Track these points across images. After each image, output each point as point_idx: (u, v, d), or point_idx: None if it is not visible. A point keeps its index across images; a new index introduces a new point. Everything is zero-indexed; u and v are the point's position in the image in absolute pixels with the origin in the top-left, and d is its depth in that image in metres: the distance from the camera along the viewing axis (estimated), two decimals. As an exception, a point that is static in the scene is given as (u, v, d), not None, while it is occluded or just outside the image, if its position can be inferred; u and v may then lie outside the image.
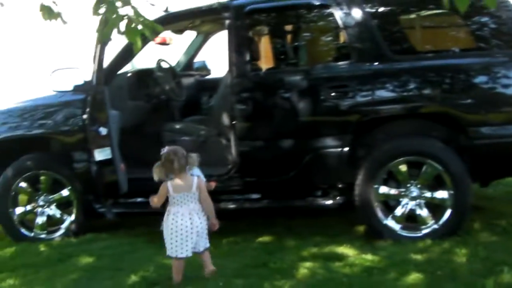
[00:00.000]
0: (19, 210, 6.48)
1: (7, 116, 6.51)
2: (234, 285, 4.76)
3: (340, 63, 5.85)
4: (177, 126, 6.60)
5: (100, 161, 5.17)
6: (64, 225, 6.42)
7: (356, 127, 5.64)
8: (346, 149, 5.66)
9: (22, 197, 6.61)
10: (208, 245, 4.98)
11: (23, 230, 6.48)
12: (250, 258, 5.38)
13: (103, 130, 5.13)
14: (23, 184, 6.41)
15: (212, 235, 6.02)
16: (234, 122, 5.85)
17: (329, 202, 5.81)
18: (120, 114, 5.92)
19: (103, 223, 5.65)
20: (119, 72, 6.35)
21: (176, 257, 4.83)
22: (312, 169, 5.79)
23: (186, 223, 4.79)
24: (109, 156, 5.14)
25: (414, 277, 4.75)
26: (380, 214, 5.64)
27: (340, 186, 5.79)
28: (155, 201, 4.85)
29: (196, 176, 4.92)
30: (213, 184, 5.87)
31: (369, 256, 5.26)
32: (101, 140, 5.14)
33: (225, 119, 6.15)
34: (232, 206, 6.01)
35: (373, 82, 5.59)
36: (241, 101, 5.80)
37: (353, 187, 5.68)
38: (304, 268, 5.05)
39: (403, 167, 5.60)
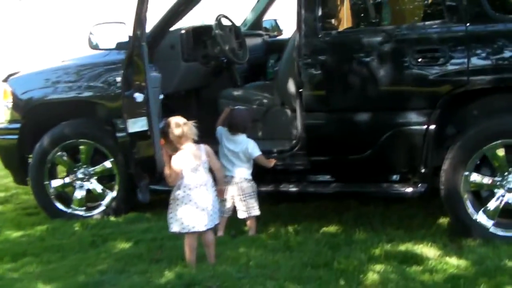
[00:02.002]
0: (55, 182, 5.84)
1: (45, 77, 5.82)
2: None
3: (430, 23, 4.82)
4: (235, 93, 5.74)
5: (134, 133, 4.38)
6: (104, 202, 5.76)
7: (446, 100, 4.65)
8: (433, 126, 4.69)
9: (59, 169, 5.96)
10: (218, 221, 4.53)
11: (59, 205, 5.85)
12: (310, 254, 4.51)
13: (139, 96, 4.33)
14: (61, 154, 5.74)
15: (269, 222, 5.32)
16: (300, 90, 4.96)
17: (409, 189, 4.85)
18: (163, 77, 5.14)
19: (150, 201, 4.95)
20: (172, 28, 5.55)
21: (188, 232, 4.35)
22: (390, 149, 4.85)
23: (198, 196, 4.30)
24: (144, 128, 4.34)
25: (511, 292, 3.81)
26: (469, 207, 4.69)
27: (423, 171, 4.81)
28: (169, 181, 4.34)
29: (202, 144, 4.41)
30: (272, 162, 5.10)
31: (453, 260, 4.32)
32: (136, 108, 4.35)
33: (291, 87, 5.26)
34: (293, 189, 5.16)
35: (470, 47, 4.56)
36: (309, 66, 4.89)
37: (439, 172, 4.74)
38: (374, 272, 4.15)
39: (501, 152, 4.64)
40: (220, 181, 4.51)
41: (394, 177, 4.97)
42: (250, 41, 6.77)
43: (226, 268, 4.30)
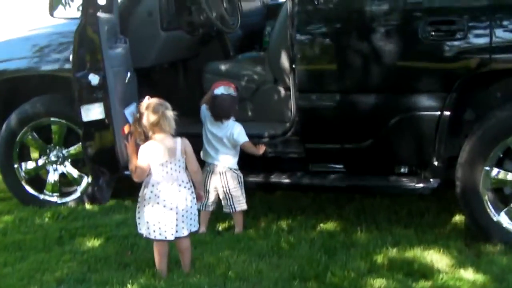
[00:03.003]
0: (26, 165, 5.19)
1: (11, 47, 5.14)
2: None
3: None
4: (222, 67, 5.00)
5: (89, 122, 3.70)
6: (80, 188, 5.08)
7: (465, 81, 3.92)
8: (448, 112, 3.97)
9: (30, 151, 5.32)
10: (195, 228, 3.81)
11: (31, 190, 5.19)
12: (300, 261, 3.87)
13: (94, 78, 3.64)
14: (30, 134, 5.08)
15: (260, 215, 4.68)
16: (294, 65, 4.24)
17: (419, 184, 4.15)
18: (140, 49, 4.45)
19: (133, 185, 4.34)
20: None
21: (155, 239, 3.73)
22: (398, 137, 4.15)
23: (168, 197, 3.64)
24: (101, 116, 3.66)
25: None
26: (490, 207, 3.99)
27: (435, 163, 4.10)
28: (133, 176, 3.69)
29: (180, 138, 3.71)
30: (262, 148, 4.42)
31: (469, 273, 3.66)
32: (91, 92, 3.66)
33: (284, 61, 4.55)
34: (286, 180, 4.47)
35: (493, 18, 3.80)
36: (302, 37, 4.17)
37: (454, 163, 4.03)
38: (373, 289, 3.50)
39: (528, 143, 3.90)
40: (198, 184, 3.83)
41: (402, 169, 4.26)
42: (247, 4, 6.03)
43: (200, 279, 3.68)
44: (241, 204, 4.45)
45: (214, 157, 4.44)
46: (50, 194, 5.15)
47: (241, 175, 4.45)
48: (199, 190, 3.83)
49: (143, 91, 4.93)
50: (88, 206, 5.05)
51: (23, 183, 5.20)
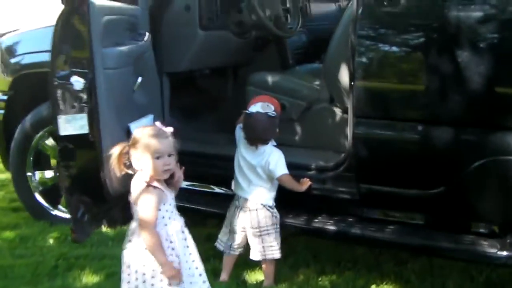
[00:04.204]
0: (41, 174, 4.47)
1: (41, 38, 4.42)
2: None
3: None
4: (269, 78, 4.09)
5: (67, 137, 2.86)
6: (98, 206, 4.30)
7: None
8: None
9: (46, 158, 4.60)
10: None
11: (44, 204, 4.48)
12: None
13: (78, 82, 2.80)
14: (47, 140, 4.35)
15: (300, 265, 3.78)
16: (353, 82, 3.30)
17: (503, 252, 3.10)
18: (175, 49, 3.64)
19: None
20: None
21: None
22: (480, 186, 3.12)
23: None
24: (83, 131, 2.81)
25: None
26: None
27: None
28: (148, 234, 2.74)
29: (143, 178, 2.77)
30: (305, 184, 3.52)
31: None
32: (73, 98, 2.82)
33: (342, 77, 3.60)
34: (332, 227, 3.52)
35: None
36: (365, 48, 3.22)
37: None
38: None
39: None
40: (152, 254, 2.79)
41: (481, 229, 3.23)
42: (318, 7, 5.12)
43: None
44: (273, 252, 3.55)
45: (245, 189, 3.56)
46: (65, 209, 4.41)
47: (277, 214, 3.55)
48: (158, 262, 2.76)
49: (179, 100, 4.17)
50: (104, 229, 4.27)
51: (36, 194, 4.49)
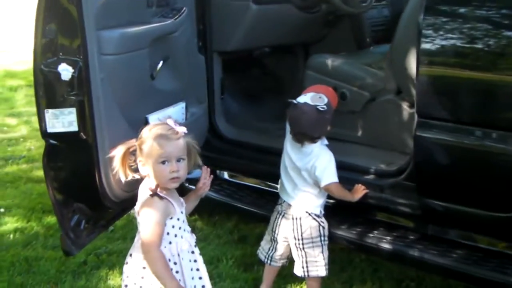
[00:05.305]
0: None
1: None
2: None
3: None
4: (329, 62, 3.49)
5: (55, 134, 2.43)
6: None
7: None
8: None
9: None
10: None
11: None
12: None
13: (66, 71, 2.34)
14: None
15: (345, 284, 3.26)
16: (418, 71, 2.68)
17: None
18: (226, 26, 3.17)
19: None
20: None
21: None
22: None
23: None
24: (72, 128, 2.37)
25: None
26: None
27: None
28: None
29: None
30: (360, 192, 2.99)
31: None
32: (61, 90, 2.38)
33: (410, 65, 2.97)
34: (388, 246, 2.94)
35: None
36: (432, 33, 2.59)
37: None
38: None
39: None
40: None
41: None
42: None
43: None
44: (318, 268, 3.04)
45: (290, 193, 3.05)
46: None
47: (325, 225, 3.02)
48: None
49: (234, 83, 3.72)
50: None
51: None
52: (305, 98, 2.97)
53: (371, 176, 3.05)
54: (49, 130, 2.44)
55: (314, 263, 3.03)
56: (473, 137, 2.57)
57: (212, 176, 2.59)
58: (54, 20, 2.41)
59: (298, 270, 3.08)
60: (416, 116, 2.73)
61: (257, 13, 3.52)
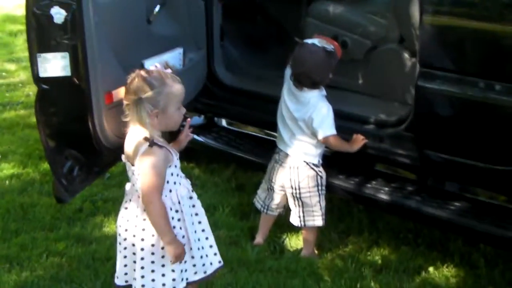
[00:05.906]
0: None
1: None
2: None
3: None
4: (331, 9, 3.40)
5: (48, 79, 2.37)
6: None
7: None
8: None
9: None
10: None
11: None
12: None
13: (59, 14, 2.26)
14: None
15: (343, 234, 3.24)
16: (421, 19, 2.60)
17: None
18: None
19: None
20: None
21: None
22: None
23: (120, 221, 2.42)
24: (64, 73, 2.31)
25: None
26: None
27: None
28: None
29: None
30: (359, 142, 2.94)
31: None
32: (53, 34, 2.31)
33: (414, 11, 2.89)
34: (385, 196, 2.91)
35: None
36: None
37: None
38: None
39: None
40: (154, 227, 2.29)
41: None
42: None
43: None
44: (314, 217, 3.02)
45: (287, 142, 3.01)
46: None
47: (322, 174, 2.99)
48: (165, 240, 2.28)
49: (235, 30, 3.64)
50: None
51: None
52: (313, 40, 2.92)
53: (371, 126, 3.01)
54: (41, 74, 2.38)
55: (311, 212, 3.00)
56: (476, 89, 2.51)
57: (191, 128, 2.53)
58: None
59: (294, 220, 3.06)
60: (418, 65, 2.66)
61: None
